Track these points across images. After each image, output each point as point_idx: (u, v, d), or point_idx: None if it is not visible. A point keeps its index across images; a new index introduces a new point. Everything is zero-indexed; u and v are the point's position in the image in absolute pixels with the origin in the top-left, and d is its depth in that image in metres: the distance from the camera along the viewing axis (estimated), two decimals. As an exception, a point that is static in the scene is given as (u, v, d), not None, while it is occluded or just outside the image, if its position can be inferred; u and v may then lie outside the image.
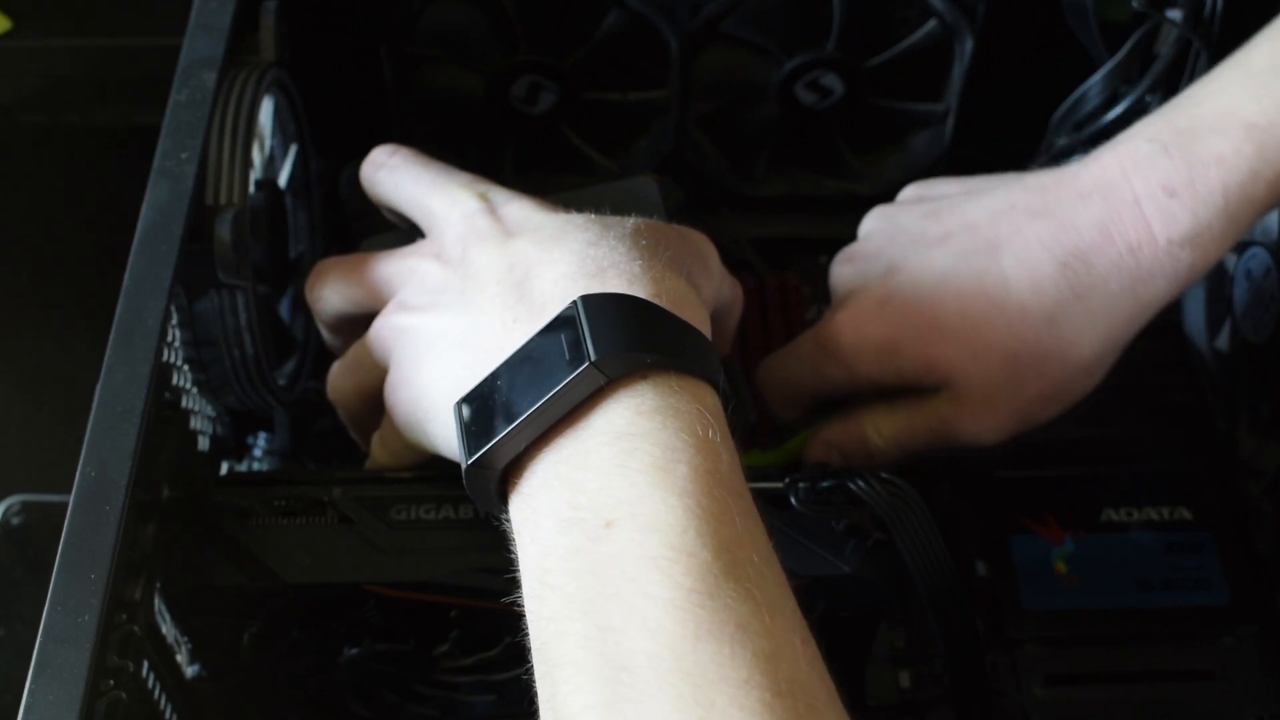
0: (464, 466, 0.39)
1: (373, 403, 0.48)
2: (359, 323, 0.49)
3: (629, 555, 0.34)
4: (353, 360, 0.50)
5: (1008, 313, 0.49)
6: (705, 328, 0.42)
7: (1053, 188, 0.50)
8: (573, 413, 0.37)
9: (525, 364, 0.39)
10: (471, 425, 0.39)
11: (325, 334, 0.53)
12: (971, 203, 0.52)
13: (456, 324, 0.43)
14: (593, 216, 0.45)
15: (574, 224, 0.44)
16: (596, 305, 0.38)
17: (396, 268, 0.48)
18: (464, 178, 0.49)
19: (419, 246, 0.48)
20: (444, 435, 0.43)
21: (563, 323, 0.38)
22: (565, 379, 0.37)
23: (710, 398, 0.39)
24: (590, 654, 0.33)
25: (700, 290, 0.44)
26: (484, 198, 0.47)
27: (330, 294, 0.50)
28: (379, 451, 0.49)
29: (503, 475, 0.39)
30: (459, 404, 0.40)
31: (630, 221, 0.44)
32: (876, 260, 0.53)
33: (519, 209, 0.46)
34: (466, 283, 0.44)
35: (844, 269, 0.55)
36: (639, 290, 0.40)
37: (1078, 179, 0.49)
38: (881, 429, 0.52)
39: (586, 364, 0.37)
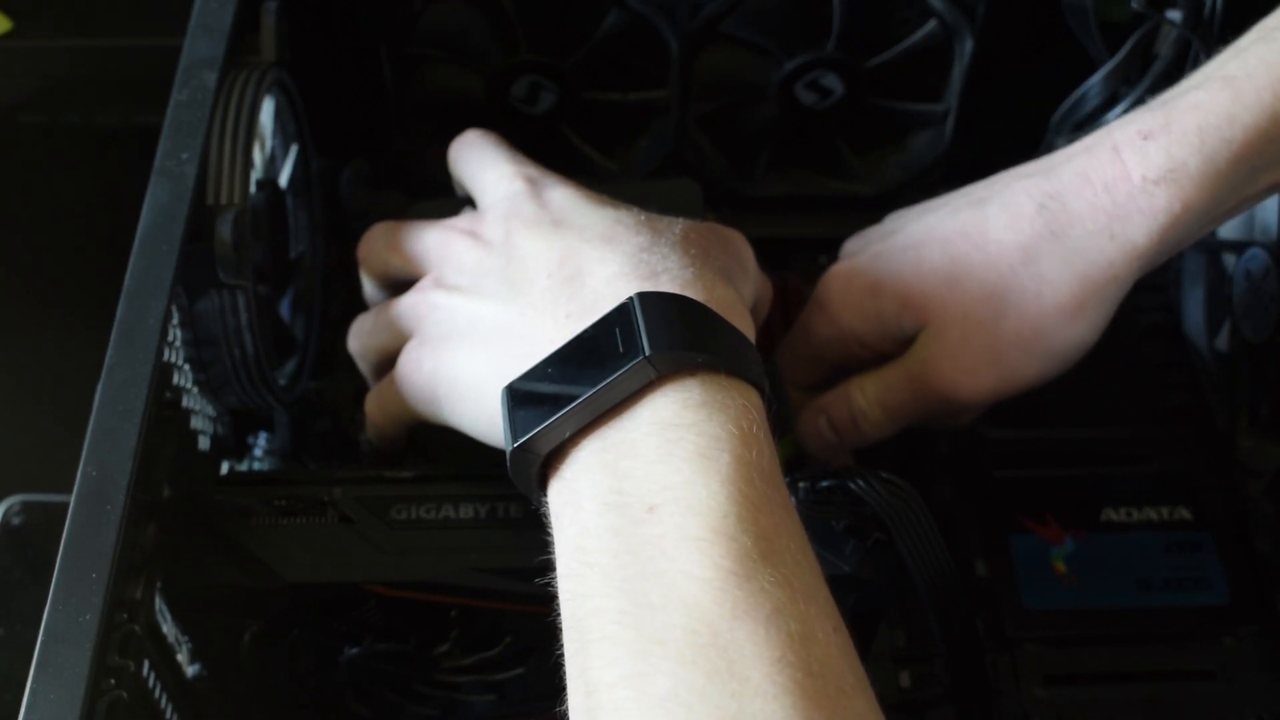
0: (509, 450, 0.39)
1: (389, 363, 0.49)
2: (402, 286, 0.50)
3: (670, 537, 0.35)
4: (380, 322, 0.50)
5: (985, 250, 0.50)
6: (751, 335, 0.43)
7: (1046, 156, 0.51)
8: (620, 404, 0.38)
9: (577, 355, 0.40)
10: (518, 411, 0.40)
11: (367, 291, 0.54)
12: (978, 182, 0.53)
13: (503, 313, 0.44)
14: (642, 218, 0.45)
15: (624, 225, 0.44)
16: (653, 303, 0.39)
17: (435, 240, 0.49)
18: (516, 157, 0.50)
19: (458, 220, 0.49)
20: (471, 415, 0.44)
21: (618, 317, 0.39)
22: (618, 371, 0.38)
23: (755, 397, 0.40)
24: (626, 629, 0.34)
25: (743, 296, 0.45)
26: (530, 180, 0.48)
27: (374, 259, 0.52)
28: (373, 408, 0.50)
29: (544, 460, 0.40)
30: (507, 389, 0.41)
31: (679, 226, 0.45)
32: (879, 230, 0.56)
33: (564, 197, 0.47)
34: (512, 269, 0.45)
35: (851, 242, 0.57)
36: (692, 296, 0.41)
37: (1069, 147, 0.51)
38: (865, 388, 0.53)
39: (640, 358, 0.38)
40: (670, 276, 0.42)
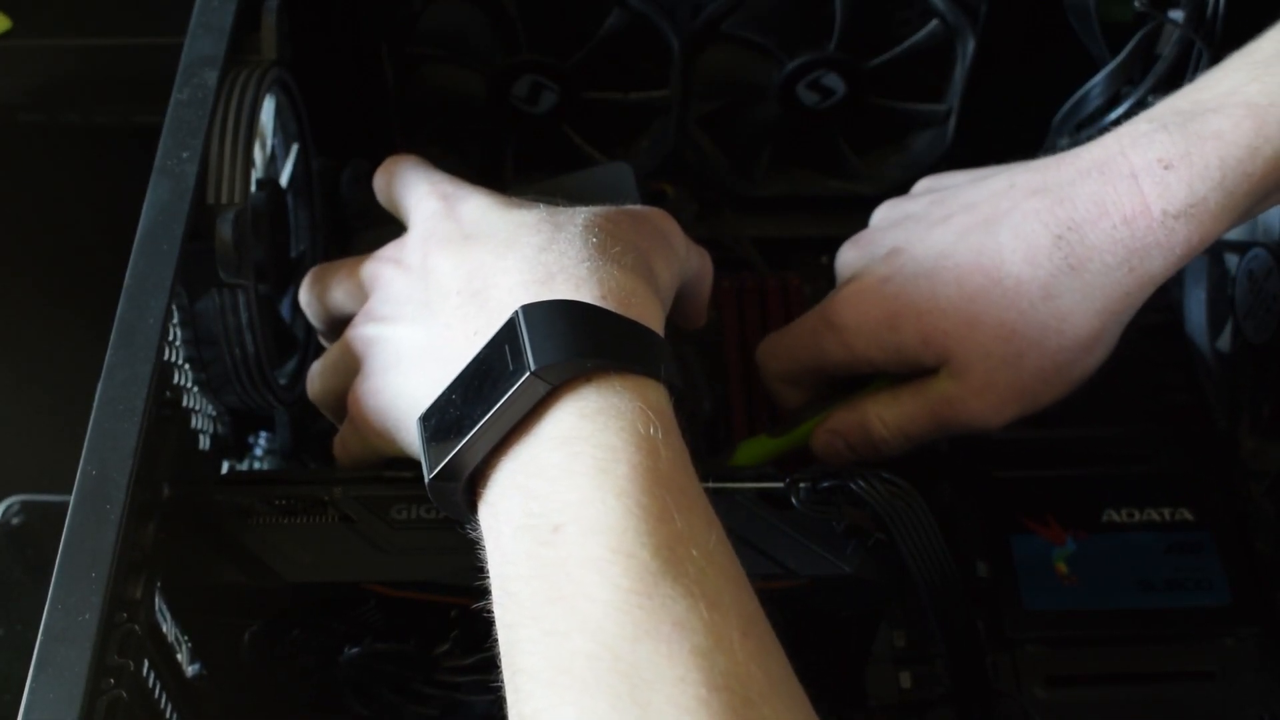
0: (427, 480, 0.39)
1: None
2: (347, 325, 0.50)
3: (573, 559, 0.35)
4: (329, 365, 0.50)
5: (1003, 285, 0.49)
6: (655, 320, 0.42)
7: (1053, 166, 0.50)
8: (524, 421, 0.38)
9: (475, 377, 0.39)
10: (432, 439, 0.40)
11: (321, 337, 0.54)
12: (975, 186, 0.52)
13: (422, 336, 0.44)
14: (545, 215, 0.44)
15: (526, 226, 0.44)
16: (536, 314, 0.39)
17: (367, 272, 0.49)
18: (434, 177, 0.49)
19: (386, 250, 0.49)
20: (415, 445, 0.43)
21: (506, 334, 0.39)
22: (510, 390, 0.37)
23: (655, 393, 0.39)
24: (539, 659, 0.34)
25: (657, 277, 0.44)
26: (444, 197, 0.47)
27: (316, 300, 0.51)
28: (340, 453, 0.50)
29: (470, 485, 0.39)
30: (421, 419, 0.41)
31: (582, 216, 0.44)
32: (879, 244, 0.54)
33: (474, 208, 0.46)
34: (429, 293, 0.44)
35: (849, 253, 0.56)
36: (585, 294, 0.40)
37: (1078, 158, 0.49)
38: (885, 417, 0.52)
39: (528, 374, 0.37)
40: (565, 276, 0.41)
